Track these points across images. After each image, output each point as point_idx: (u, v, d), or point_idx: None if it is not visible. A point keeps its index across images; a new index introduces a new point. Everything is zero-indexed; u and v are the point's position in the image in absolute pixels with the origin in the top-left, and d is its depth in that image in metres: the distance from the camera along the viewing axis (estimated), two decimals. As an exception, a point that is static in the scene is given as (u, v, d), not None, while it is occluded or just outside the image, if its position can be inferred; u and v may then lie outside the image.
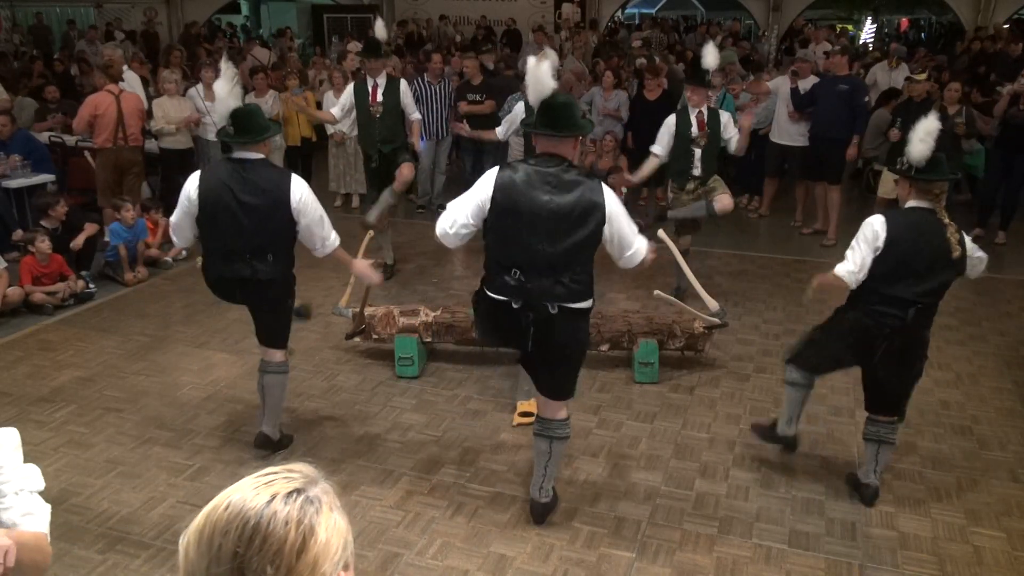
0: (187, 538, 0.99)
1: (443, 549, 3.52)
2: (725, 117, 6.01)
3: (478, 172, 3.86)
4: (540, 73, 3.43)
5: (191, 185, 3.89)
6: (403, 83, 6.62)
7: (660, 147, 6.11)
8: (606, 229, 3.31)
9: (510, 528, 3.66)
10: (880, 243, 3.50)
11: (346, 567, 1.02)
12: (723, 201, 5.93)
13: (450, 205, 3.47)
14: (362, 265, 4.28)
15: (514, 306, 3.34)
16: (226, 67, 4.10)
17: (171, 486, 3.98)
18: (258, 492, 0.98)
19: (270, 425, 4.20)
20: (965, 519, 3.74)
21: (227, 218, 3.80)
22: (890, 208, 3.77)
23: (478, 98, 8.58)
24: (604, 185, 3.36)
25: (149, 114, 7.97)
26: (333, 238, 4.03)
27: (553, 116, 3.35)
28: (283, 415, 4.55)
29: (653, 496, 3.91)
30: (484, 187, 3.35)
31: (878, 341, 3.59)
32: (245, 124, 3.86)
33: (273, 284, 3.94)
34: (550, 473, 3.66)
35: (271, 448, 4.21)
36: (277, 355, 4.16)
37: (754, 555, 3.50)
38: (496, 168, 3.42)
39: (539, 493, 3.66)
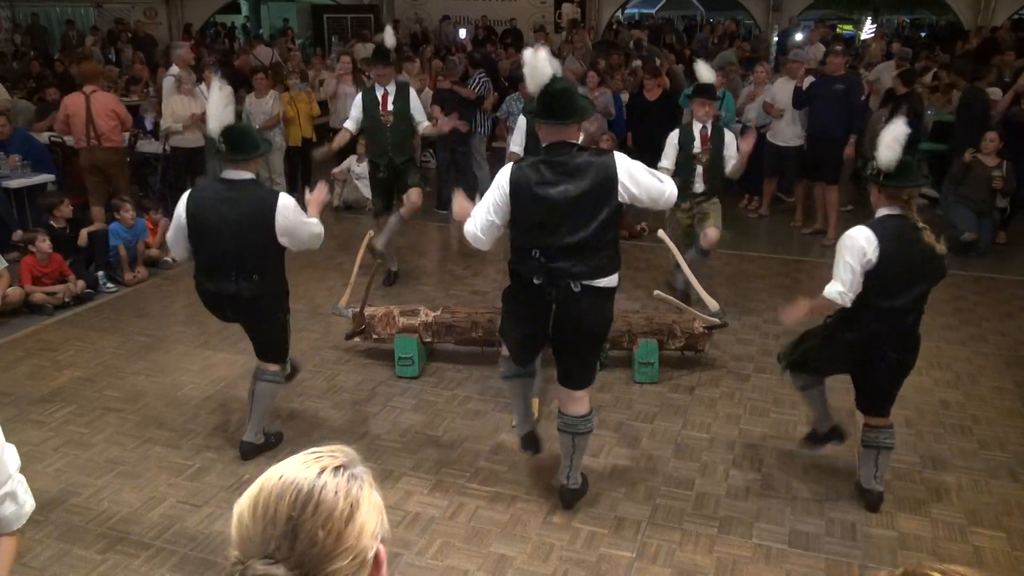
0: (241, 506, 1.07)
1: (443, 549, 3.52)
2: (729, 136, 5.89)
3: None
4: (537, 61, 3.42)
5: (181, 203, 3.92)
6: (413, 90, 6.46)
7: (668, 161, 6.00)
8: (627, 193, 3.30)
9: (510, 528, 3.67)
10: (872, 258, 3.38)
11: (383, 541, 1.13)
12: (709, 237, 5.85)
13: (474, 211, 3.48)
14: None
15: (535, 282, 3.37)
16: (220, 84, 4.06)
17: (171, 486, 3.98)
18: (308, 466, 1.08)
19: (253, 432, 4.16)
20: (965, 519, 3.74)
21: (213, 237, 3.84)
22: (871, 221, 3.53)
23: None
24: (615, 153, 3.35)
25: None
26: (318, 234, 4.01)
27: (554, 104, 3.35)
28: (285, 413, 4.56)
29: (653, 496, 3.91)
30: (500, 187, 3.39)
31: (884, 355, 3.56)
32: (237, 142, 3.86)
33: (260, 300, 3.94)
34: (576, 463, 3.75)
35: (258, 453, 4.15)
36: (272, 366, 4.15)
37: (754, 555, 3.50)
38: (508, 167, 3.44)
39: (567, 480, 3.76)
